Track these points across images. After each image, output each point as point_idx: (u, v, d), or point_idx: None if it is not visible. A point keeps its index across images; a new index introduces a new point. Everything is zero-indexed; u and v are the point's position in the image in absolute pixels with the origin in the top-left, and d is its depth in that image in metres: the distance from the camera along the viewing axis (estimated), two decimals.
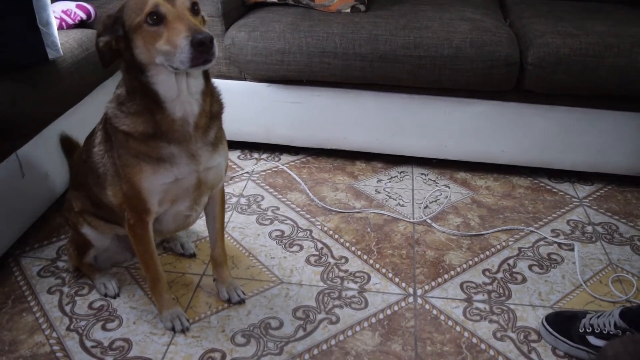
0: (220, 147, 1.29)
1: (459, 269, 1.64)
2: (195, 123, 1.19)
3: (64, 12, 1.93)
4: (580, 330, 1.32)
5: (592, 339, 1.30)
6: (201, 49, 1.03)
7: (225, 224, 1.80)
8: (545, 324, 1.39)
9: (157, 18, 1.06)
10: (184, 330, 1.39)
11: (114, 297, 1.51)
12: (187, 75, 1.15)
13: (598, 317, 1.32)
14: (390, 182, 2.09)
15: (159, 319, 1.42)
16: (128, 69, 1.15)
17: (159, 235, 1.47)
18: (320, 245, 1.72)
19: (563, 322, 1.37)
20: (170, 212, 1.34)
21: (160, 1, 1.06)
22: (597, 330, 1.30)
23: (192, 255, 1.67)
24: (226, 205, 1.90)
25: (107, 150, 1.29)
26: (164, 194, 1.26)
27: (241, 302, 1.49)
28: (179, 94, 1.15)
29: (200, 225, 1.79)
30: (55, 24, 1.64)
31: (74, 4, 1.97)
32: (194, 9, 1.11)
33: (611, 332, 1.27)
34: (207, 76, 1.21)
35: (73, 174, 1.45)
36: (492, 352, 1.36)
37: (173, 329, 1.40)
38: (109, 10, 2.05)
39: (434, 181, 2.10)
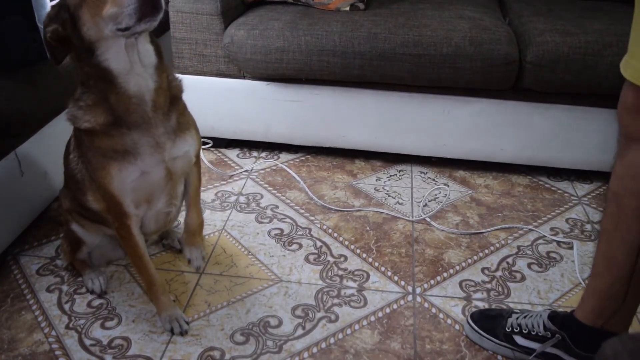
0: (186, 133, 1.29)
1: (458, 268, 1.64)
2: (152, 101, 1.19)
3: None
4: (507, 330, 1.33)
5: (519, 339, 1.31)
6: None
7: (224, 222, 1.81)
8: (470, 321, 1.39)
9: None
10: (182, 333, 1.38)
11: (100, 295, 1.49)
12: (137, 47, 1.14)
13: (525, 317, 1.33)
14: (389, 180, 2.09)
15: (158, 319, 1.42)
16: (79, 56, 1.14)
17: (144, 236, 1.47)
18: (319, 244, 1.72)
19: (488, 320, 1.37)
20: (150, 213, 1.34)
21: None
22: (525, 330, 1.30)
23: None
24: (225, 204, 1.91)
25: (80, 156, 1.30)
26: (135, 193, 1.26)
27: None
28: (132, 65, 1.14)
29: None
30: None
31: None
32: None
33: (540, 334, 1.28)
34: (159, 52, 1.20)
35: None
36: (490, 351, 1.36)
37: (172, 331, 1.39)
38: None
39: (433, 180, 2.10)
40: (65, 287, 1.53)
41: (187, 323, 1.40)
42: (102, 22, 1.07)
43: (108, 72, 1.13)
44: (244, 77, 2.08)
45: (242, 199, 1.95)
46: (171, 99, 1.25)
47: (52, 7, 1.13)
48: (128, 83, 1.15)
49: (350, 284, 1.57)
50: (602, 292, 1.18)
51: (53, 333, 1.39)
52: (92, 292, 1.51)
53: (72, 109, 1.21)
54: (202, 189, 1.98)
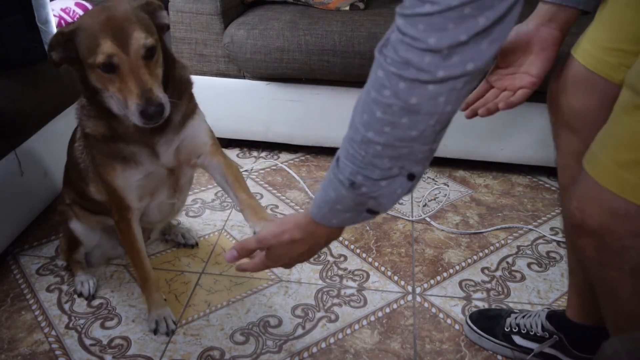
0: (189, 121, 1.25)
1: (457, 267, 1.64)
2: None
3: (63, 10, 1.93)
4: (506, 330, 1.33)
5: (517, 339, 1.31)
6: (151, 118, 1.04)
7: (223, 222, 1.81)
8: (469, 321, 1.39)
9: (110, 67, 1.04)
10: (168, 333, 1.37)
11: (88, 298, 1.48)
12: None
13: (523, 317, 1.33)
14: None
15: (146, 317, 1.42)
16: (82, 80, 1.13)
17: (149, 225, 1.47)
18: None
19: (487, 320, 1.37)
20: (153, 203, 1.34)
21: (114, 50, 1.03)
22: (524, 330, 1.30)
23: (194, 245, 1.67)
24: (225, 204, 1.90)
25: (86, 147, 1.30)
26: (141, 189, 1.27)
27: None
28: None
29: (199, 223, 1.79)
30: (54, 22, 1.64)
31: (72, 2, 1.97)
32: (149, 54, 1.06)
33: (538, 334, 1.28)
34: (168, 60, 1.15)
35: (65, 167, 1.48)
36: (490, 351, 1.36)
37: (155, 331, 1.37)
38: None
39: (433, 179, 2.10)
40: (65, 287, 1.53)
41: (175, 323, 1.39)
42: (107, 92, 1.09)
43: (109, 109, 1.14)
44: (244, 77, 2.08)
45: None
46: (178, 92, 1.21)
47: (61, 33, 1.09)
48: (127, 118, 1.12)
49: (350, 283, 1.57)
50: (580, 287, 1.19)
51: (53, 333, 1.39)
52: (80, 294, 1.49)
53: (79, 113, 1.23)
54: (202, 188, 1.98)
